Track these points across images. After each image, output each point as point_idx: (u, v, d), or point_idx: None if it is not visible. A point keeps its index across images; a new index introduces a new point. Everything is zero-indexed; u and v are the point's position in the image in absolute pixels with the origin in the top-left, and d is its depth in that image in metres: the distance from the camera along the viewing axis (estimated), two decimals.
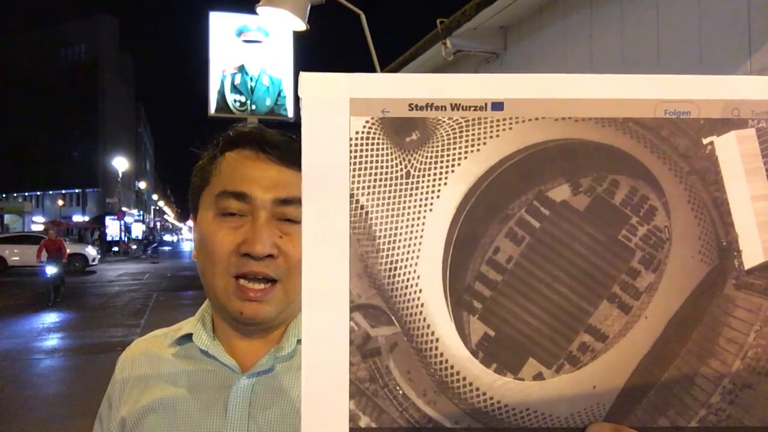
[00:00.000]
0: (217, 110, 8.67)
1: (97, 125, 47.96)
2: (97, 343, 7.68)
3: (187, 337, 0.74)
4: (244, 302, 0.67)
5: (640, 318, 0.43)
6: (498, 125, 0.43)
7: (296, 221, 0.67)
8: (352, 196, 0.42)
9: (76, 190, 48.75)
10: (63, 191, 49.00)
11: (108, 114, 49.10)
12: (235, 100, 8.71)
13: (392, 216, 0.42)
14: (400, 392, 0.42)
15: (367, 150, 0.42)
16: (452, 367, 0.42)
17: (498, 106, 0.43)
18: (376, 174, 0.43)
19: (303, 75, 0.42)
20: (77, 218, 43.72)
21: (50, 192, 49.55)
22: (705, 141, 0.43)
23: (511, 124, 0.43)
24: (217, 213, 0.68)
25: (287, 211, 0.68)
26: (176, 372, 0.73)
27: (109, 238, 34.09)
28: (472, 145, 0.43)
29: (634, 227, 0.43)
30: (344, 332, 0.42)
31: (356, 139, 0.42)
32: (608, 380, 0.42)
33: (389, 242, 0.42)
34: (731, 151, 0.43)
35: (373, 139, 0.43)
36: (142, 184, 60.84)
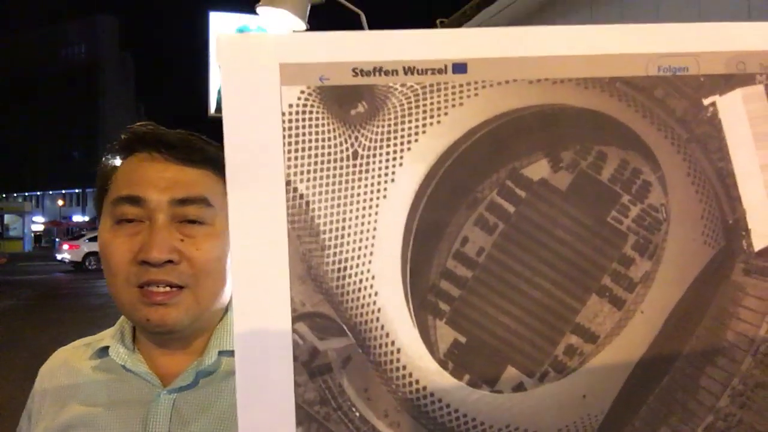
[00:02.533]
0: (217, 110, 8.60)
1: (97, 125, 47.77)
2: None
3: (107, 350, 0.69)
4: (150, 307, 0.62)
5: (636, 313, 0.37)
6: (461, 91, 0.36)
7: (199, 222, 0.63)
8: (288, 183, 0.36)
9: (76, 190, 48.62)
10: (63, 191, 48.91)
11: (108, 114, 48.82)
12: None
13: (339, 206, 0.36)
14: (357, 414, 0.36)
15: (304, 127, 0.36)
16: (417, 382, 0.36)
17: (460, 68, 0.36)
18: (316, 156, 0.36)
19: (220, 36, 0.35)
20: (77, 218, 43.74)
21: (50, 192, 49.48)
22: (706, 102, 0.37)
23: (476, 89, 0.36)
24: (114, 221, 0.64)
25: (187, 211, 0.62)
26: (96, 387, 0.68)
27: None
28: (431, 117, 0.36)
29: (625, 207, 0.37)
30: (287, 347, 0.35)
31: (290, 113, 0.36)
32: (600, 387, 0.37)
33: (336, 237, 0.36)
34: (737, 113, 0.37)
35: (311, 113, 0.36)
36: None
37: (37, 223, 37.17)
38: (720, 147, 0.37)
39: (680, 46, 0.36)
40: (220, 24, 8.59)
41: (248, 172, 0.35)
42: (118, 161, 0.67)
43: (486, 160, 0.36)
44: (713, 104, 0.37)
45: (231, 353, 0.66)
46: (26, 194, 49.24)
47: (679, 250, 0.37)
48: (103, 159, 0.69)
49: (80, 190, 48.70)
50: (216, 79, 8.51)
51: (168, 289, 0.62)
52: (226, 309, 0.69)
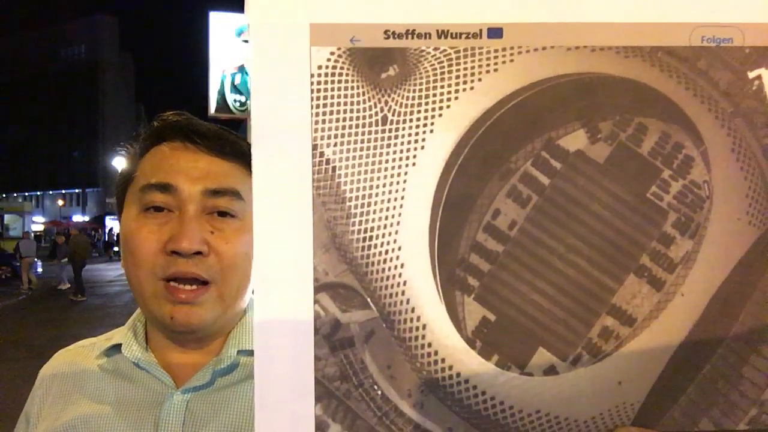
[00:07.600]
0: (217, 110, 8.67)
1: (97, 125, 48.39)
2: None
3: (117, 348, 0.67)
4: (175, 305, 0.59)
5: (676, 295, 0.35)
6: (496, 57, 0.35)
7: (230, 215, 0.62)
8: (315, 147, 0.34)
9: (76, 190, 49.10)
10: (63, 191, 49.40)
11: (108, 114, 49.42)
12: (235, 100, 8.70)
13: (366, 172, 0.34)
14: (379, 393, 0.34)
15: (332, 89, 0.34)
16: (443, 360, 0.34)
17: (496, 32, 0.34)
18: (344, 120, 0.34)
19: None
20: (77, 218, 43.88)
21: (50, 192, 50.00)
22: (751, 74, 0.35)
23: (512, 55, 0.35)
24: (141, 209, 0.61)
25: (218, 203, 0.61)
26: (102, 387, 0.65)
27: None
28: (464, 83, 0.35)
29: (666, 183, 0.35)
30: (308, 319, 0.34)
31: (319, 75, 0.34)
32: (637, 374, 0.35)
33: (363, 205, 0.34)
34: None
35: (341, 75, 0.34)
36: None
37: (37, 223, 37.20)
38: (767, 122, 0.35)
39: (725, 16, 0.35)
40: (220, 24, 8.63)
41: (274, 134, 0.34)
42: (145, 149, 0.65)
43: (520, 129, 0.35)
44: (759, 77, 0.35)
45: (250, 353, 0.63)
46: (26, 194, 49.59)
47: (722, 229, 0.35)
48: (129, 147, 0.68)
49: (80, 190, 48.99)
50: (215, 80, 8.52)
51: (194, 287, 0.59)
52: (245, 310, 0.67)
